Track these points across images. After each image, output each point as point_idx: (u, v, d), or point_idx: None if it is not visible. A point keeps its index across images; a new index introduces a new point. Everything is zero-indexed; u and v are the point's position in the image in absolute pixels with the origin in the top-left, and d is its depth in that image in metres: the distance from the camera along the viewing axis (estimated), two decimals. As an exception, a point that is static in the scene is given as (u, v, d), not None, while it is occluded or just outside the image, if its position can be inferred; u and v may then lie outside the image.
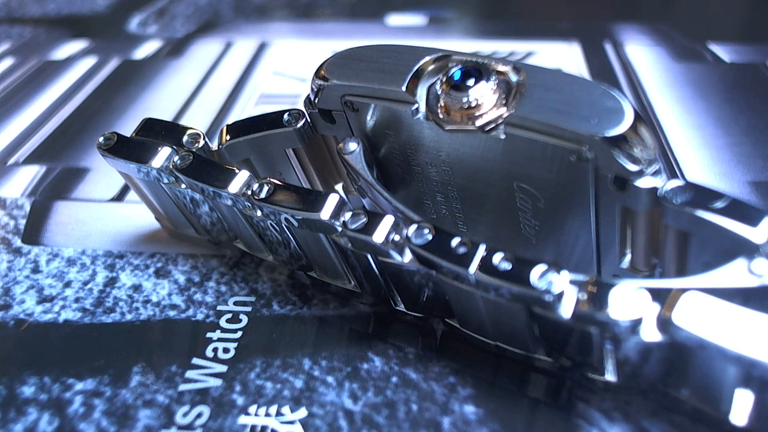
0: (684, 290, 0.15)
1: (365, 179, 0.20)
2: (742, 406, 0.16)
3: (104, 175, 0.29)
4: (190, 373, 0.20)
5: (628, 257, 0.19)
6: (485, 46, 0.38)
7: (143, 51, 0.40)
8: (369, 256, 0.18)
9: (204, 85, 0.36)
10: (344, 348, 0.20)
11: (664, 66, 0.34)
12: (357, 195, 0.22)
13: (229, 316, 0.22)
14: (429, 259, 0.17)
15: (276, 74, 0.37)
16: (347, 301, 0.22)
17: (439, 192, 0.21)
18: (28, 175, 0.29)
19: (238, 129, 0.22)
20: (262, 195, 0.19)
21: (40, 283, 0.23)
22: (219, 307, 0.22)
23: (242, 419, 0.18)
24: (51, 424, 0.19)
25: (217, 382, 0.20)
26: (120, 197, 0.28)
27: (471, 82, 0.17)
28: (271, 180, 0.19)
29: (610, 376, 0.18)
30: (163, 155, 0.21)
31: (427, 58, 0.19)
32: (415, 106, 0.18)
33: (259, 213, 0.20)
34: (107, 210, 0.27)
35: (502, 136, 0.17)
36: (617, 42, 0.37)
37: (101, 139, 0.22)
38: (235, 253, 0.24)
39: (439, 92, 0.18)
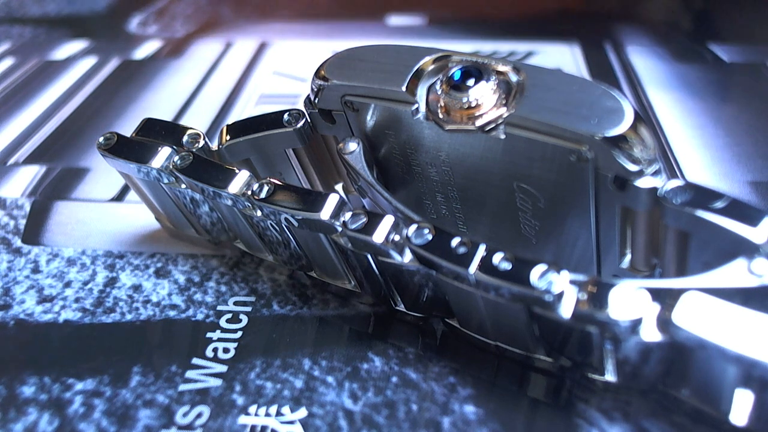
0: (684, 290, 0.15)
1: (365, 179, 0.20)
2: (742, 406, 0.16)
3: (104, 175, 0.29)
4: (190, 373, 0.20)
5: (628, 257, 0.19)
6: (485, 46, 0.38)
7: (143, 51, 0.40)
8: (369, 256, 0.18)
9: (204, 85, 0.36)
10: (344, 348, 0.20)
11: (664, 66, 0.34)
12: (357, 195, 0.22)
13: (229, 316, 0.22)
14: (429, 259, 0.17)
15: (276, 74, 0.37)
16: (347, 301, 0.22)
17: (439, 192, 0.21)
18: (28, 175, 0.29)
19: (238, 129, 0.22)
20: (262, 195, 0.19)
21: (40, 283, 0.23)
22: (219, 307, 0.22)
23: (242, 419, 0.19)
24: (51, 424, 0.19)
25: (217, 382, 0.20)
26: (120, 197, 0.28)
27: (471, 82, 0.17)
28: (271, 180, 0.19)
29: (610, 376, 0.18)
30: (163, 155, 0.21)
31: (427, 58, 0.19)
32: (415, 106, 0.18)
33: (259, 213, 0.20)
34: (107, 210, 0.27)
35: (502, 136, 0.17)
36: (617, 42, 0.37)
37: (101, 139, 0.22)
38: (235, 253, 0.24)
39: (439, 92, 0.18)
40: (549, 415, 0.18)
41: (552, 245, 0.20)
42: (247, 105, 0.34)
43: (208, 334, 0.21)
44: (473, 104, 0.17)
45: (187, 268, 0.24)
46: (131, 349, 0.21)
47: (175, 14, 0.45)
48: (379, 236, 0.17)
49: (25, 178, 0.29)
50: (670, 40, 0.37)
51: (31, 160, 0.30)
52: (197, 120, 0.33)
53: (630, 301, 0.15)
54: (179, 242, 0.25)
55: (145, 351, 0.21)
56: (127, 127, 0.27)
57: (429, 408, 0.18)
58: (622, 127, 0.16)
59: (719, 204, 0.16)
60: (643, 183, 0.16)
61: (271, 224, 0.20)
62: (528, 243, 0.20)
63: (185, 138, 0.22)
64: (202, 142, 0.22)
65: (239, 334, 0.21)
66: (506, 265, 0.16)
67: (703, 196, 0.16)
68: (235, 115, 0.33)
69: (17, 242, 0.26)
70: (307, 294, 0.22)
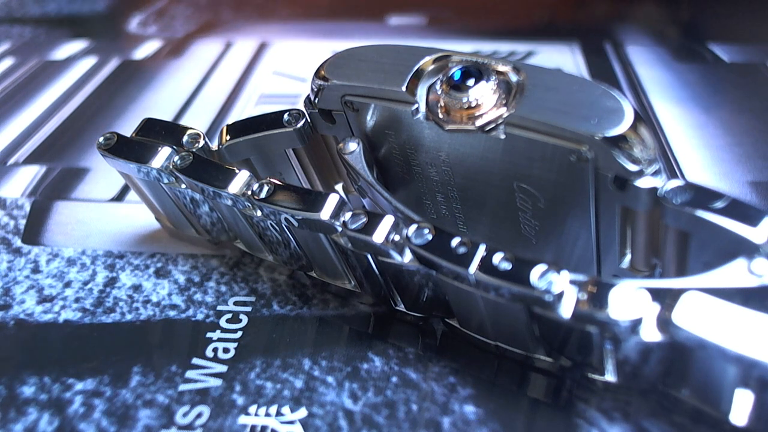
0: (684, 290, 0.15)
1: (365, 179, 0.20)
2: (742, 406, 0.16)
3: (104, 175, 0.29)
4: (190, 373, 0.20)
5: (628, 257, 0.19)
6: (485, 46, 0.38)
7: (143, 51, 0.40)
8: (369, 256, 0.18)
9: (204, 85, 0.36)
10: (344, 348, 0.20)
11: (664, 66, 0.34)
12: (357, 195, 0.22)
13: (229, 316, 0.22)
14: (429, 259, 0.17)
15: (276, 74, 0.37)
16: (347, 301, 0.22)
17: (439, 192, 0.21)
18: (28, 175, 0.29)
19: (238, 129, 0.22)
20: (262, 195, 0.19)
21: (40, 283, 0.23)
22: (219, 307, 0.22)
23: (242, 419, 0.19)
24: (51, 424, 0.19)
25: (217, 382, 0.20)
26: (120, 197, 0.28)
27: (471, 82, 0.17)
28: (271, 180, 0.19)
29: (610, 376, 0.18)
30: (163, 155, 0.21)
31: (427, 58, 0.19)
32: (415, 106, 0.18)
33: (259, 213, 0.20)
34: (107, 210, 0.27)
35: (502, 136, 0.17)
36: (617, 42, 0.37)
37: (101, 139, 0.22)
38: (235, 253, 0.24)
39: (439, 92, 0.18)
40: (549, 415, 0.18)
41: (552, 245, 0.20)
42: (247, 105, 0.34)
43: (208, 334, 0.21)
44: (473, 104, 0.17)
45: (187, 268, 0.24)
46: (131, 349, 0.21)
47: (175, 14, 0.45)
48: (379, 236, 0.17)
49: (25, 178, 0.29)
50: (670, 40, 0.37)
51: (31, 160, 0.30)
52: (197, 120, 0.33)
53: (630, 301, 0.15)
54: (179, 242, 0.25)
55: (145, 351, 0.21)
56: (127, 127, 0.27)
57: (429, 408, 0.18)
58: (622, 127, 0.16)
59: (719, 204, 0.16)
60: (643, 183, 0.16)
61: (271, 224, 0.20)
62: (528, 243, 0.20)
63: (185, 138, 0.22)
64: (202, 142, 0.22)
65: (239, 334, 0.21)
66: (506, 265, 0.16)
67: (703, 196, 0.16)
68: (235, 115, 0.33)
69: (17, 242, 0.26)
70: (307, 294, 0.22)
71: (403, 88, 0.18)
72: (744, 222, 0.16)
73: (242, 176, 0.20)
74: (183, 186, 0.21)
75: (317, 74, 0.20)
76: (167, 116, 0.33)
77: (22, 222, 0.27)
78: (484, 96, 0.17)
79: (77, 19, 0.45)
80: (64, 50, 0.41)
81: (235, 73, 0.37)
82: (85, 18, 0.45)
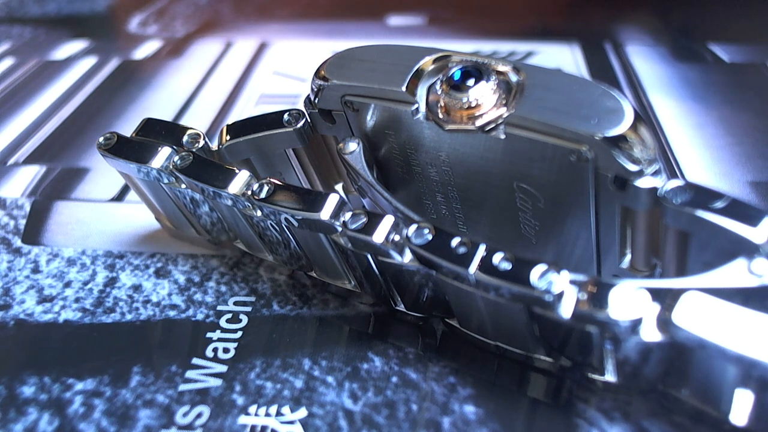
0: (684, 290, 0.15)
1: (365, 179, 0.20)
2: (742, 406, 0.16)
3: (104, 175, 0.29)
4: (190, 373, 0.20)
5: (628, 257, 0.19)
6: (485, 46, 0.38)
7: (143, 51, 0.40)
8: (369, 256, 0.18)
9: (204, 85, 0.36)
10: (344, 348, 0.20)
11: (664, 66, 0.34)
12: (357, 195, 0.22)
13: (229, 316, 0.22)
14: (429, 259, 0.17)
15: (276, 74, 0.37)
16: (347, 301, 0.22)
17: (439, 192, 0.21)
18: (28, 175, 0.29)
19: (238, 129, 0.22)
20: (262, 195, 0.19)
21: (40, 283, 0.23)
22: (219, 307, 0.22)
23: (242, 419, 0.19)
24: (51, 424, 0.19)
25: (217, 382, 0.20)
26: (120, 197, 0.28)
27: (471, 82, 0.17)
28: (271, 180, 0.19)
29: (610, 376, 0.18)
30: (163, 155, 0.21)
31: (427, 58, 0.19)
32: (415, 106, 0.18)
33: (259, 213, 0.20)
34: (107, 210, 0.27)
35: (502, 136, 0.17)
36: (617, 42, 0.37)
37: (101, 139, 0.22)
38: (235, 253, 0.24)
39: (439, 92, 0.18)
40: (549, 415, 0.18)
41: (552, 245, 0.20)
42: (247, 105, 0.34)
43: (208, 334, 0.21)
44: (473, 104, 0.17)
45: (187, 268, 0.24)
46: (131, 349, 0.21)
47: (175, 14, 0.45)
48: (379, 236, 0.17)
49: (25, 178, 0.29)
50: (670, 40, 0.37)
51: (31, 160, 0.30)
52: (197, 120, 0.33)
53: (630, 301, 0.15)
54: (179, 242, 0.25)
55: (145, 351, 0.21)
56: (127, 127, 0.27)
57: (429, 408, 0.18)
58: (622, 127, 0.16)
59: (719, 204, 0.16)
60: (643, 183, 0.16)
61: (271, 224, 0.20)
62: (528, 243, 0.20)
63: (185, 138, 0.22)
64: (202, 142, 0.22)
65: (239, 334, 0.21)
66: (506, 265, 0.16)
67: (703, 196, 0.16)
68: (235, 115, 0.33)
69: (17, 242, 0.26)
70: (307, 294, 0.22)
71: (403, 88, 0.18)
72: (744, 222, 0.16)
73: (242, 176, 0.20)
74: (183, 186, 0.21)
75: (317, 74, 0.20)
76: (167, 116, 0.33)
77: (22, 222, 0.27)
78: (484, 96, 0.17)
79: (77, 19, 0.45)
80: (64, 50, 0.41)
81: (235, 73, 0.37)
82: (85, 18, 0.45)
